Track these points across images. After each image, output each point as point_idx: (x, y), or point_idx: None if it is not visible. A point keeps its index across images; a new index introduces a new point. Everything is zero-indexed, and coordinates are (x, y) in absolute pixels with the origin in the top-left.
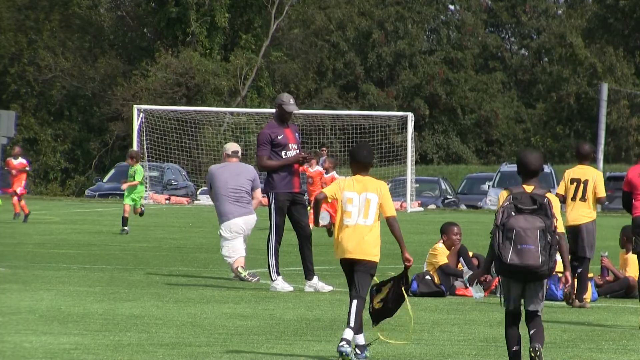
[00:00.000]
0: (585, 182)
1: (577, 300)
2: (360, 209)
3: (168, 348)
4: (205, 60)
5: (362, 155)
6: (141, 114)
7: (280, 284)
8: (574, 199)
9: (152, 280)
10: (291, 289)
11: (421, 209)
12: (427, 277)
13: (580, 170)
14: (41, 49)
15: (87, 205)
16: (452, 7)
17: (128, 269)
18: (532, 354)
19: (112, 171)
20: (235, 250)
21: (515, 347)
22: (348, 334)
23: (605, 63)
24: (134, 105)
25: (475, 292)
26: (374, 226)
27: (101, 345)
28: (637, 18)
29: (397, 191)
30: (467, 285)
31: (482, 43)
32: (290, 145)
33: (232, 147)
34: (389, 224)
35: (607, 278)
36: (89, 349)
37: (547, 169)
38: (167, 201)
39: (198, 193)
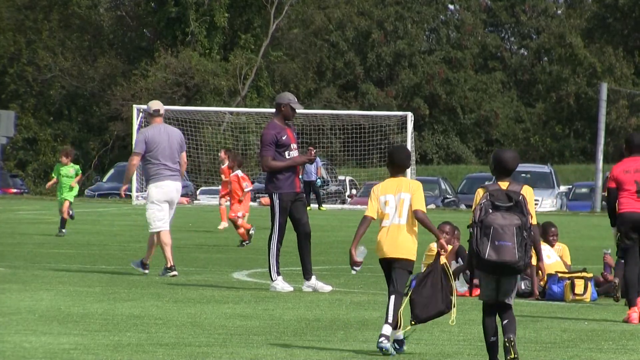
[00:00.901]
0: None
1: None
2: (396, 209)
3: (168, 348)
4: (204, 60)
5: (401, 158)
6: (141, 114)
7: (280, 284)
8: None
9: (152, 280)
10: (291, 289)
11: None
12: None
13: None
14: (40, 48)
15: (87, 205)
16: (451, 6)
17: (128, 268)
18: (507, 344)
19: (112, 171)
20: (161, 218)
21: (492, 338)
22: (386, 329)
23: (605, 63)
24: (134, 105)
25: (460, 286)
26: (409, 224)
27: (101, 345)
28: (636, 18)
29: None
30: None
31: (482, 43)
32: (292, 145)
33: (153, 105)
34: (417, 217)
35: (609, 277)
36: (88, 349)
37: (547, 168)
38: None
39: (198, 193)
